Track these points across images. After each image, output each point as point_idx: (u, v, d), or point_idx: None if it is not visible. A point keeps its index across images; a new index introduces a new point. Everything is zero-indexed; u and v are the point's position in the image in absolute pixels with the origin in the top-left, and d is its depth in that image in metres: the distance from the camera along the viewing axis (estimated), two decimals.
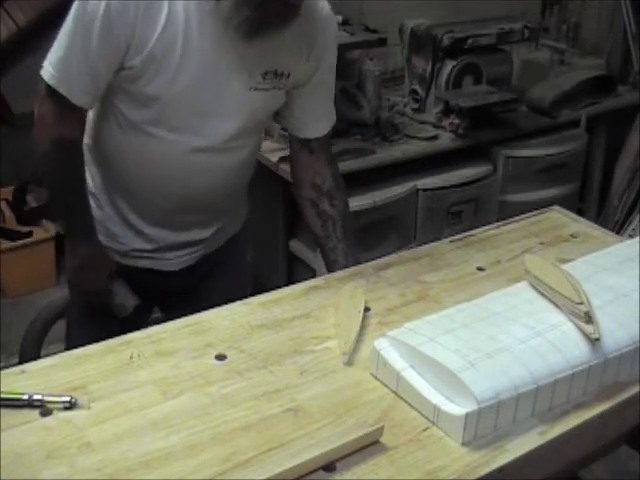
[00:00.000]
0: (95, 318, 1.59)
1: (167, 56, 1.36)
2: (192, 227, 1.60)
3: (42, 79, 1.39)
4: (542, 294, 1.25)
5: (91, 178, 1.58)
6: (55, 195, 1.57)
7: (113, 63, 1.37)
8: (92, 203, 1.56)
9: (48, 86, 1.39)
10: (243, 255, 1.80)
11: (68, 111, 1.41)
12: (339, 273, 1.50)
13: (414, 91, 2.91)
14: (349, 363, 1.20)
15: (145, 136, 1.45)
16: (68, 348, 1.28)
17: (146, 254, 1.61)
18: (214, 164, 1.50)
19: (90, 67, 1.37)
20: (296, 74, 1.50)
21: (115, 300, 1.58)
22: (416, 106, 2.91)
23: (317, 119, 1.60)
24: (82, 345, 1.22)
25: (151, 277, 1.62)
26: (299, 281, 1.48)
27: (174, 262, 1.63)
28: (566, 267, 1.31)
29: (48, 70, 1.39)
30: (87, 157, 1.55)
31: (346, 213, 1.63)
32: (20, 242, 2.98)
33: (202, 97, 1.42)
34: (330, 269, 1.57)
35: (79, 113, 1.44)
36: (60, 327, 2.44)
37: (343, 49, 2.71)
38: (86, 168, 1.53)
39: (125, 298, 1.59)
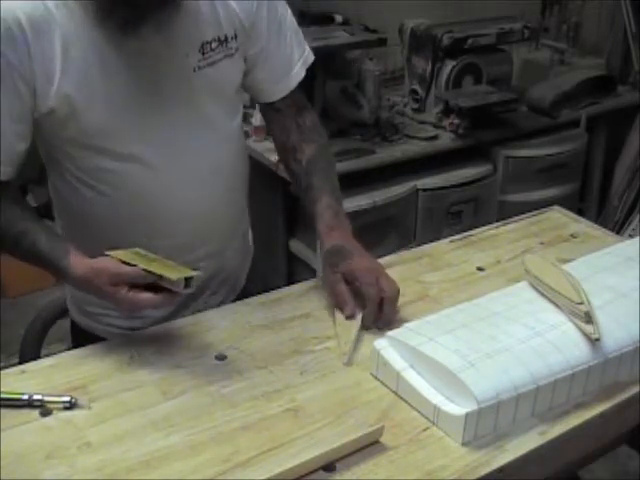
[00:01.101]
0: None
1: (80, 81, 1.19)
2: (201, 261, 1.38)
3: None
4: (542, 294, 1.25)
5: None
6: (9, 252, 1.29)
7: (26, 113, 1.20)
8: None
9: None
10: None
11: None
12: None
13: (414, 91, 2.91)
14: (349, 363, 1.20)
15: (116, 177, 1.29)
16: None
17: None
18: (197, 172, 1.33)
19: (3, 134, 1.19)
20: (239, 27, 1.32)
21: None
22: (416, 106, 2.91)
23: (279, 77, 1.42)
24: None
25: None
26: (299, 281, 1.48)
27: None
28: (566, 267, 1.31)
29: None
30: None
31: (315, 162, 1.43)
32: None
33: (144, 99, 1.25)
34: (313, 225, 1.40)
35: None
36: (60, 327, 2.45)
37: (343, 49, 2.73)
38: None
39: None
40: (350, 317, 1.28)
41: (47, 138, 1.28)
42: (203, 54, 1.28)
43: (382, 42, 2.74)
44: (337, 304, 1.30)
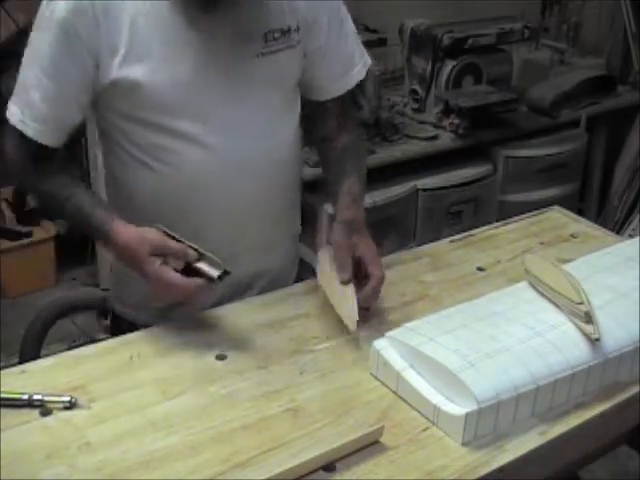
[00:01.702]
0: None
1: (144, 56, 1.22)
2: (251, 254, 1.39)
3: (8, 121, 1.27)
4: (542, 294, 1.25)
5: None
6: (53, 212, 1.44)
7: (86, 83, 1.23)
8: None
9: (15, 128, 1.27)
10: None
11: (40, 150, 1.28)
12: None
13: (414, 91, 2.91)
14: (357, 332, 1.22)
15: (170, 155, 1.29)
16: None
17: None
18: (252, 159, 1.32)
19: (60, 99, 1.24)
20: (303, 20, 1.33)
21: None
22: (416, 106, 2.90)
23: (339, 75, 1.43)
24: None
25: None
26: (299, 281, 1.47)
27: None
28: (566, 267, 1.31)
29: (14, 112, 1.26)
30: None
31: (350, 150, 1.45)
32: (20, 242, 2.98)
33: (207, 79, 1.26)
34: (333, 203, 1.41)
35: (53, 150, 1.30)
36: (60, 327, 2.45)
37: None
38: None
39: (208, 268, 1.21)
40: (345, 283, 1.27)
41: (104, 112, 1.30)
42: (266, 42, 1.29)
43: (382, 42, 2.74)
44: (339, 267, 1.29)
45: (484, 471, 1.02)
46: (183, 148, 1.29)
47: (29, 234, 3.02)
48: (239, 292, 1.40)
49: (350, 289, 1.27)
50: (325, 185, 1.45)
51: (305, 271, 1.60)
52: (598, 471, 2.16)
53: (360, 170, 1.45)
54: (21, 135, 1.27)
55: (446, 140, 2.75)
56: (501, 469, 1.03)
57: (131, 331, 1.29)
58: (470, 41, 2.86)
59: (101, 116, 1.32)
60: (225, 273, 1.18)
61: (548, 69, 3.21)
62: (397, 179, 2.67)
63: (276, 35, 1.30)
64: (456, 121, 2.73)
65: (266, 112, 1.34)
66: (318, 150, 1.51)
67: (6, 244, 2.95)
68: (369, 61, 1.48)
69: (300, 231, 1.55)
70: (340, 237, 1.32)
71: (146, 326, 1.31)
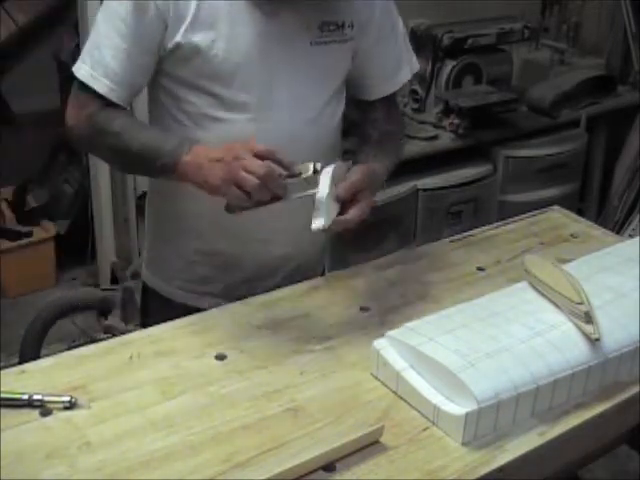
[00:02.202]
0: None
1: (208, 26, 1.28)
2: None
3: (77, 80, 1.31)
4: (542, 294, 1.25)
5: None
6: (125, 163, 1.40)
7: (153, 46, 1.29)
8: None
9: (84, 87, 1.30)
10: None
11: (106, 106, 1.31)
12: (339, 273, 1.49)
13: (414, 91, 2.91)
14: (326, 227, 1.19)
15: (220, 125, 1.33)
16: None
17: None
18: (296, 140, 1.33)
19: (130, 59, 1.29)
20: (357, 18, 1.38)
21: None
22: (416, 106, 2.91)
23: (387, 76, 1.48)
24: None
25: None
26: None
27: None
28: (566, 267, 1.31)
29: (84, 69, 1.30)
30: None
31: (389, 138, 1.47)
32: (20, 242, 2.98)
33: (263, 56, 1.31)
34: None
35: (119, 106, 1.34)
36: (60, 327, 2.45)
37: None
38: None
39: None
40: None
41: (161, 79, 1.35)
42: (322, 32, 1.35)
43: None
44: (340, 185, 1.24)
45: (484, 471, 1.02)
46: (232, 118, 1.33)
47: (29, 234, 3.02)
48: (264, 276, 1.44)
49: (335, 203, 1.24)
50: (356, 155, 1.44)
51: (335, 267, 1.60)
52: (598, 471, 2.16)
53: (394, 158, 1.47)
54: (87, 94, 1.30)
55: (446, 140, 2.75)
56: (501, 469, 1.03)
57: (162, 305, 1.43)
58: (470, 41, 2.86)
59: (157, 83, 1.36)
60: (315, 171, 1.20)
61: (548, 69, 3.22)
62: (397, 179, 2.66)
63: (331, 27, 1.35)
64: (456, 121, 2.73)
65: (313, 99, 1.38)
66: (356, 131, 1.52)
67: (6, 244, 2.95)
68: (417, 65, 1.53)
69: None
70: (356, 173, 1.28)
71: (176, 301, 1.44)
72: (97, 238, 2.94)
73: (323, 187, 1.20)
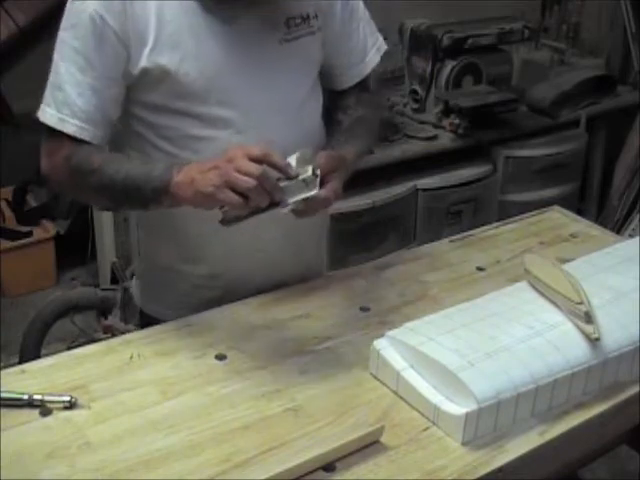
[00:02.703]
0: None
1: (172, 45, 1.23)
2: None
3: (44, 126, 1.25)
4: (542, 294, 1.25)
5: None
6: (116, 203, 1.33)
7: (118, 75, 1.23)
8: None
9: (53, 131, 1.24)
10: None
11: (81, 145, 1.26)
12: (339, 273, 1.50)
13: (414, 91, 2.91)
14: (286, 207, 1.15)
15: (201, 143, 1.28)
16: None
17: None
18: (282, 144, 1.25)
19: (97, 93, 1.23)
20: (319, 8, 1.35)
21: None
22: (416, 106, 2.90)
23: (354, 64, 1.44)
24: None
25: None
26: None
27: None
28: (566, 267, 1.31)
29: (49, 113, 1.24)
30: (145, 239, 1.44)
31: (364, 119, 1.43)
32: (20, 242, 2.98)
33: (233, 65, 1.27)
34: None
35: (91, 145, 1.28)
36: (60, 327, 2.45)
37: None
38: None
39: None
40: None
41: (133, 109, 1.29)
42: (288, 28, 1.31)
43: None
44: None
45: (484, 471, 1.02)
46: (215, 134, 1.29)
47: (29, 234, 3.02)
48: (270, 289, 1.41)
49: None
50: (327, 143, 1.40)
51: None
52: (598, 471, 2.16)
53: (366, 141, 1.44)
54: (58, 138, 1.24)
55: (446, 140, 2.75)
56: (501, 469, 1.03)
57: None
58: (470, 41, 2.86)
59: (129, 114, 1.31)
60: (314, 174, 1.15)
61: (548, 69, 3.21)
62: (397, 179, 2.67)
63: (297, 21, 1.32)
64: (456, 121, 2.73)
65: (293, 98, 1.35)
66: (328, 119, 1.46)
67: (6, 244, 2.95)
68: (384, 46, 1.49)
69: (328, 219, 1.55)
70: (320, 157, 1.22)
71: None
72: (97, 238, 2.94)
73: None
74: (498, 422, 1.07)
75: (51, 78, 1.25)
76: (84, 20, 1.21)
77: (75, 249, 3.05)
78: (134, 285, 1.54)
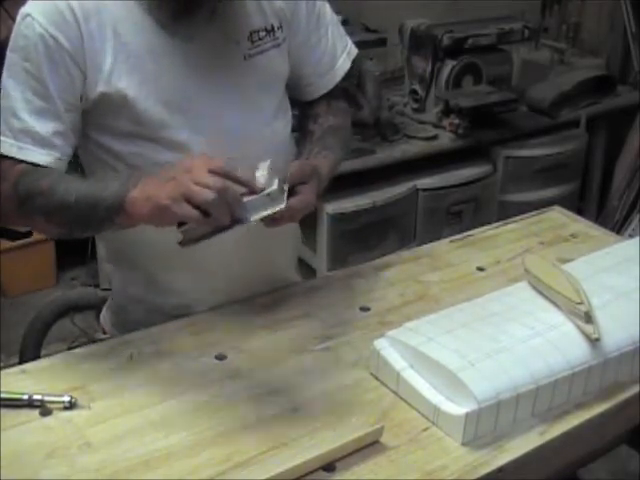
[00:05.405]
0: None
1: (130, 68, 1.18)
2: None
3: None
4: (542, 294, 1.25)
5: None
6: (73, 227, 1.21)
7: (76, 100, 1.18)
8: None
9: (3, 156, 1.17)
10: None
11: (34, 169, 1.18)
12: (339, 273, 1.49)
13: (414, 91, 2.91)
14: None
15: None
16: None
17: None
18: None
19: (56, 118, 1.17)
20: (284, 18, 1.30)
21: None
22: (416, 106, 2.90)
23: (324, 71, 1.39)
24: None
25: None
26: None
27: None
28: (566, 267, 1.31)
29: (5, 142, 1.17)
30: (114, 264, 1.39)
31: (336, 129, 1.38)
32: (20, 242, 2.98)
33: (196, 86, 1.22)
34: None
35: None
36: (60, 327, 2.45)
37: None
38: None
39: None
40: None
41: (94, 135, 1.24)
42: (252, 42, 1.26)
43: (382, 42, 2.74)
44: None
45: (484, 471, 1.02)
46: (180, 159, 1.17)
47: (29, 234, 3.01)
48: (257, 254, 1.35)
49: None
50: (299, 153, 1.34)
51: (304, 271, 1.60)
52: (598, 471, 2.16)
53: (339, 152, 1.36)
54: (4, 165, 1.17)
55: (446, 140, 2.75)
56: (501, 469, 1.03)
57: None
58: (470, 41, 2.86)
59: (89, 140, 1.25)
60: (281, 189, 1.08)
61: (548, 69, 3.21)
62: (397, 179, 2.67)
63: (261, 34, 1.27)
64: (456, 121, 2.73)
65: (261, 115, 1.30)
66: (300, 128, 1.41)
67: (6, 244, 2.95)
68: (354, 50, 1.43)
69: (299, 233, 1.54)
70: (292, 166, 1.17)
71: None
72: (97, 238, 2.94)
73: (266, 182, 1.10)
74: (498, 422, 1.07)
75: (2, 105, 1.18)
76: (35, 41, 1.14)
77: (75, 249, 3.05)
78: (103, 317, 1.49)
